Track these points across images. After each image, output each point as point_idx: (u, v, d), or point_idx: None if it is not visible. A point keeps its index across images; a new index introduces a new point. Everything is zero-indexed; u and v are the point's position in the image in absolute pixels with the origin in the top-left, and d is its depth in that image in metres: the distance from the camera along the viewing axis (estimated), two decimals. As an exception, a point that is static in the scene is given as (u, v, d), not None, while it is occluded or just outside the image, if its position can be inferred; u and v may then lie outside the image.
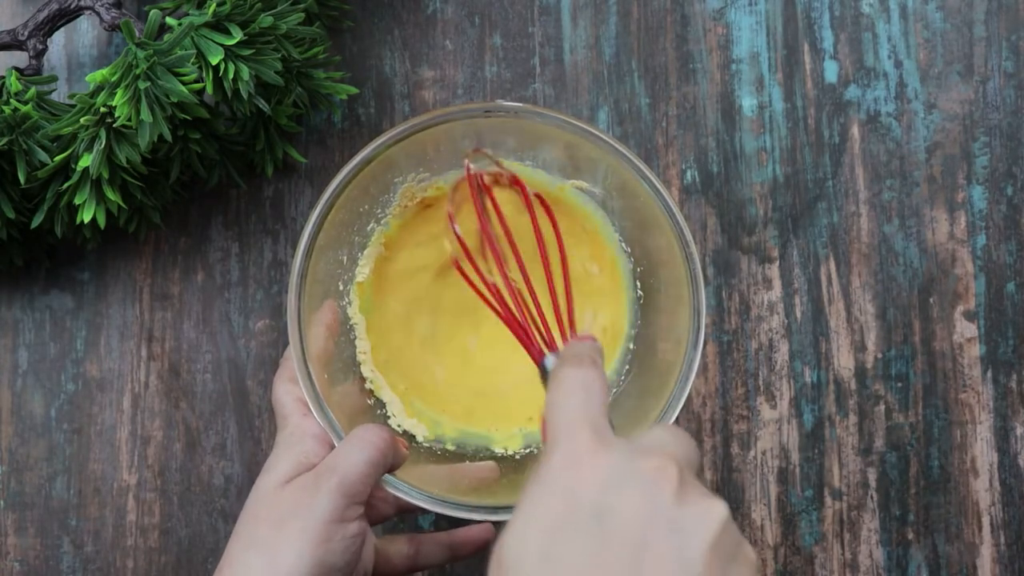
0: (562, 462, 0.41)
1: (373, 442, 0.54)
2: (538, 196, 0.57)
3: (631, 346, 0.63)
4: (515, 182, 0.58)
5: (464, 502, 0.56)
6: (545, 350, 0.52)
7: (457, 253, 0.55)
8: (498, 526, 0.59)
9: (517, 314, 0.53)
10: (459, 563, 0.67)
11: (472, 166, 0.58)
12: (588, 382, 0.45)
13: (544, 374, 0.51)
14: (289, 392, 0.57)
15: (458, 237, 0.55)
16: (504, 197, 0.58)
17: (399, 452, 0.56)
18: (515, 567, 0.39)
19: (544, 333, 0.53)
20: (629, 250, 0.63)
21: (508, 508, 0.56)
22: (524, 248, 0.56)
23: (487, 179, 0.58)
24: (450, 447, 0.62)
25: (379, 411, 0.62)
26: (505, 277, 0.54)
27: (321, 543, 0.51)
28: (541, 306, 0.54)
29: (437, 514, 0.66)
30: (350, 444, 0.54)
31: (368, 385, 0.63)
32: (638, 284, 0.63)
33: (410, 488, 0.56)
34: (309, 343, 0.57)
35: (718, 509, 0.40)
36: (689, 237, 0.57)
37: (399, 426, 0.62)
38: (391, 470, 0.56)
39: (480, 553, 0.62)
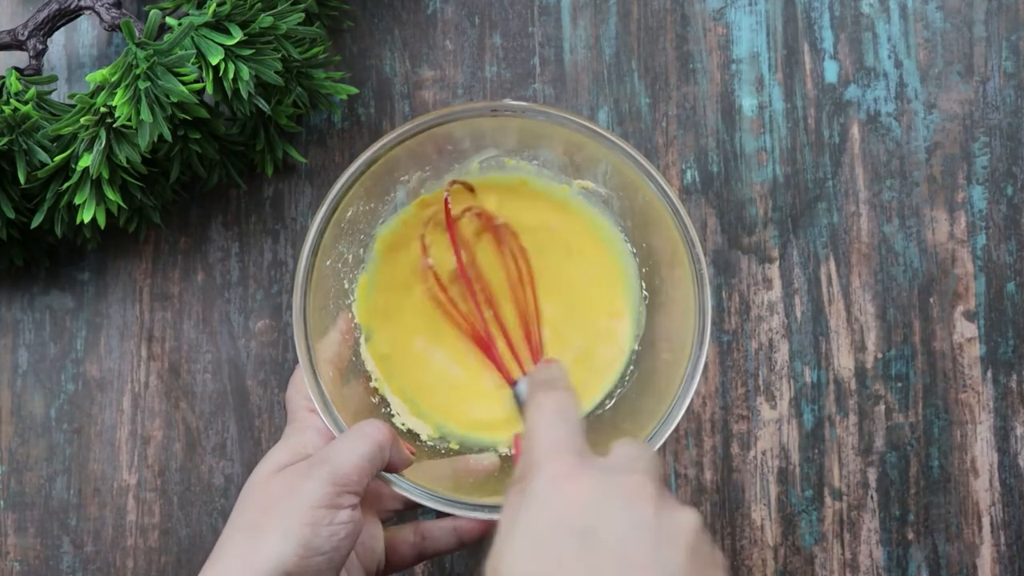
0: (546, 485, 0.44)
1: (370, 435, 0.54)
2: (507, 226, 0.61)
3: (636, 346, 0.63)
4: (483, 216, 0.62)
5: (468, 500, 0.56)
6: (516, 374, 0.57)
7: (430, 284, 0.60)
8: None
9: (487, 338, 0.59)
10: (459, 564, 0.67)
11: (450, 201, 0.62)
12: (564, 406, 0.49)
13: (517, 398, 0.55)
14: (299, 391, 0.58)
15: (432, 269, 0.60)
16: (475, 227, 0.63)
17: (402, 453, 0.56)
18: None
19: (515, 357, 0.58)
20: (635, 251, 0.63)
21: None
22: (500, 276, 0.62)
23: (457, 211, 0.62)
24: (454, 446, 0.62)
25: (383, 409, 0.62)
26: (477, 306, 0.59)
27: (307, 525, 0.51)
28: (510, 332, 0.60)
29: (441, 515, 0.66)
30: (346, 436, 0.55)
31: (372, 383, 0.63)
32: (643, 284, 0.63)
33: (412, 486, 0.56)
34: (324, 346, 0.58)
35: (692, 517, 0.43)
36: (695, 237, 0.57)
37: (403, 424, 0.62)
38: (395, 469, 0.56)
39: (487, 535, 0.62)
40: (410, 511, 0.65)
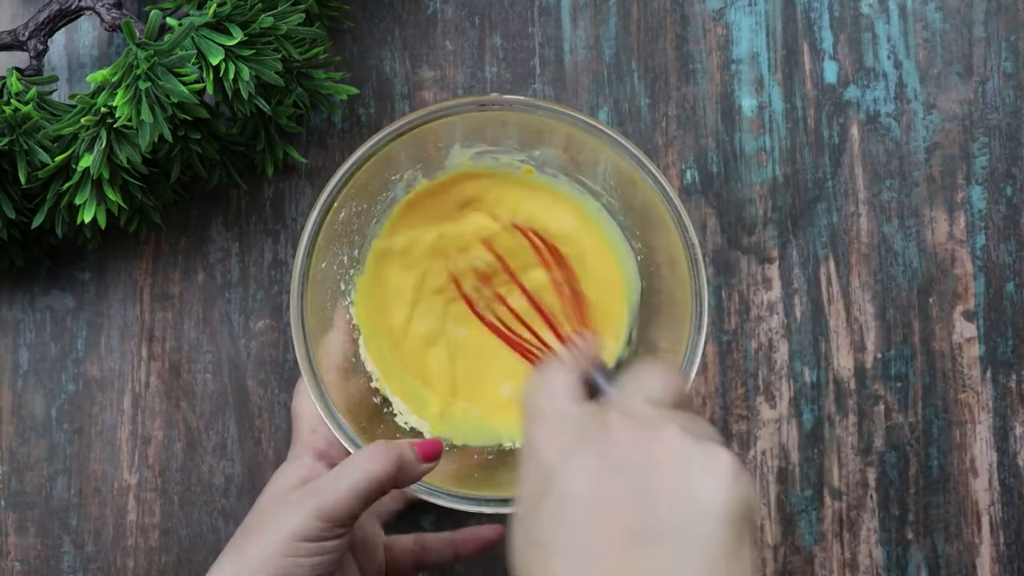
0: (529, 461, 0.45)
1: (367, 470, 0.53)
2: (535, 233, 0.63)
3: (634, 333, 0.63)
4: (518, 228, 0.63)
5: (472, 495, 0.56)
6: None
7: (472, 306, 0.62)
8: (503, 520, 0.59)
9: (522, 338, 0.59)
10: (461, 563, 0.68)
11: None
12: (549, 376, 0.48)
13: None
14: (303, 404, 0.58)
15: (468, 303, 0.62)
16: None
17: (414, 471, 0.54)
18: (513, 550, 0.43)
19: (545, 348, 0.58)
20: (628, 235, 0.63)
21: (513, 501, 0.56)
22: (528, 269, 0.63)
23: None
24: (457, 443, 0.62)
25: (385, 410, 0.62)
26: (503, 325, 0.60)
27: (285, 555, 0.51)
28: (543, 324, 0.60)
29: (440, 514, 0.66)
30: (346, 466, 0.53)
31: (373, 384, 0.63)
32: (641, 273, 0.63)
33: (417, 484, 0.56)
34: (324, 349, 0.58)
35: (669, 430, 0.42)
36: (687, 221, 0.57)
37: (406, 423, 0.62)
38: (402, 486, 0.55)
39: (484, 552, 0.62)
40: (412, 510, 0.65)
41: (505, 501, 0.56)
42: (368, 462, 0.53)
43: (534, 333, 0.59)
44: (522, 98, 0.58)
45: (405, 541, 0.60)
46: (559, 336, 0.58)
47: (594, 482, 0.42)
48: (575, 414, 0.45)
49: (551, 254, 0.62)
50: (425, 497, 0.56)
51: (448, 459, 0.60)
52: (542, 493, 0.43)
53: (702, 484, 0.41)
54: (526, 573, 0.42)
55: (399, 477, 0.53)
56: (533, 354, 0.57)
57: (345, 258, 0.62)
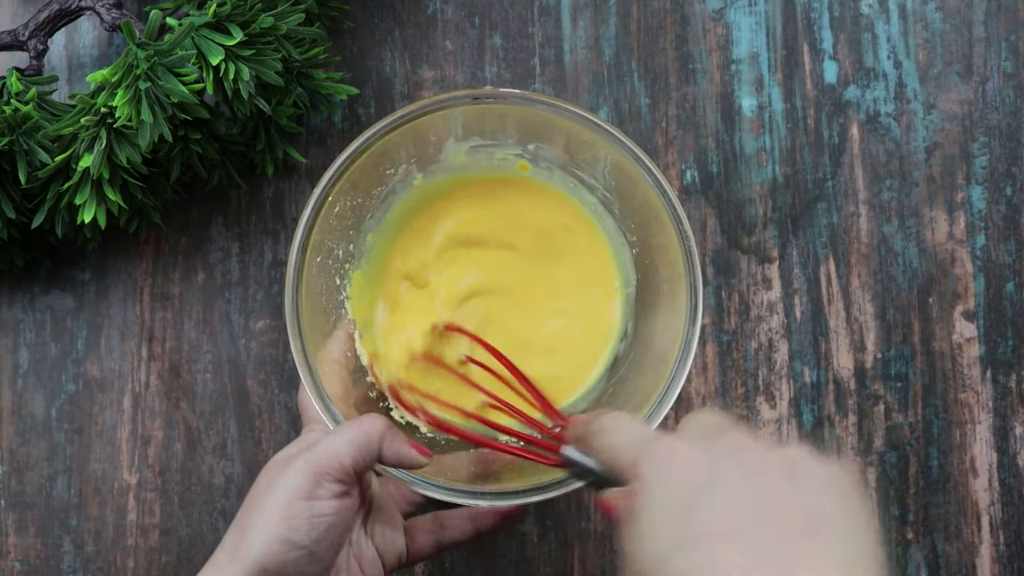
0: (656, 469, 0.44)
1: (359, 425, 0.54)
2: (489, 347, 0.61)
3: (630, 327, 0.63)
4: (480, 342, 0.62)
5: (468, 488, 0.56)
6: (552, 447, 0.55)
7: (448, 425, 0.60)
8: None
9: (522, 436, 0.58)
10: (459, 564, 0.68)
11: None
12: (619, 416, 0.49)
13: (567, 461, 0.52)
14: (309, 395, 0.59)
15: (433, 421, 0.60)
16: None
17: (402, 449, 0.55)
18: (661, 559, 0.42)
19: (543, 437, 0.57)
20: (623, 228, 0.63)
21: (513, 493, 0.56)
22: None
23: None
24: (454, 437, 0.62)
25: (382, 404, 0.62)
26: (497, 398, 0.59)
27: (283, 520, 0.51)
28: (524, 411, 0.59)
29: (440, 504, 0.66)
30: (338, 428, 0.55)
31: (369, 378, 0.63)
32: (636, 267, 0.63)
33: (413, 477, 0.56)
34: (324, 344, 0.58)
35: (800, 447, 0.44)
36: (682, 213, 0.57)
37: (401, 418, 0.62)
38: (400, 466, 0.55)
39: (505, 525, 0.61)
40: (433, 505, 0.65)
41: (501, 495, 0.56)
42: (358, 423, 0.54)
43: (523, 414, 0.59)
44: (516, 91, 0.58)
45: (423, 521, 0.60)
46: (550, 415, 0.58)
47: (751, 478, 0.43)
48: (689, 438, 0.46)
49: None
50: (421, 490, 0.56)
51: (444, 453, 0.60)
52: (693, 492, 0.43)
53: (850, 487, 0.43)
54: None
55: (389, 440, 0.54)
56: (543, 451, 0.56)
57: (340, 252, 0.62)
